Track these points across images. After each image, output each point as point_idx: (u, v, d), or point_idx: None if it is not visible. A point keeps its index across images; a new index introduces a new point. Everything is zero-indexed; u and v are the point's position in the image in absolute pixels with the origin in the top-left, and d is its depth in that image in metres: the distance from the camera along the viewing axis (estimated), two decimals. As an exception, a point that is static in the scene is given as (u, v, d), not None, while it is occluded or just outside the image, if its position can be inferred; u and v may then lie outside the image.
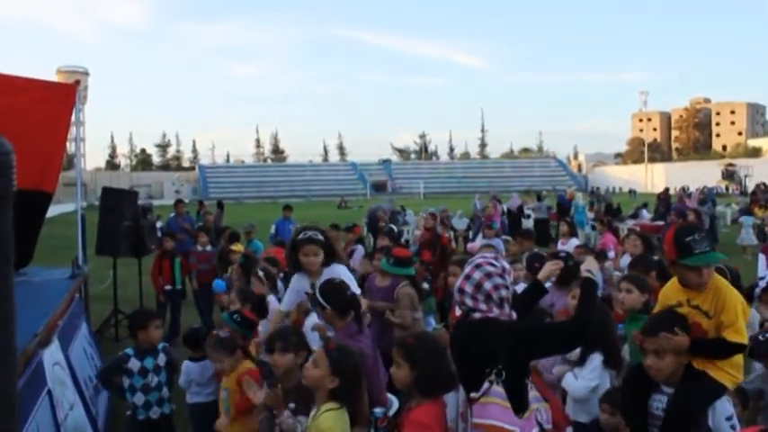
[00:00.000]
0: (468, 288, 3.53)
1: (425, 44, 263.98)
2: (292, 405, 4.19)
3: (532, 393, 3.41)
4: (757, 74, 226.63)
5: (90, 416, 6.17)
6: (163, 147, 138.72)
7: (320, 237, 5.50)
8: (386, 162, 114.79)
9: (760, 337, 5.09)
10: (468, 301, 3.54)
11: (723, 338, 3.54)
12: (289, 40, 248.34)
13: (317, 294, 4.73)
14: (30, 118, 8.14)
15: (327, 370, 3.68)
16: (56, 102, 8.51)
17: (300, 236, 5.56)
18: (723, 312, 3.56)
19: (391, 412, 4.51)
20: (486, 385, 3.33)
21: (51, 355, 5.60)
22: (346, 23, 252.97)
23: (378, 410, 3.84)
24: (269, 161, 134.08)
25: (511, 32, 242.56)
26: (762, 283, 6.47)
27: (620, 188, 75.82)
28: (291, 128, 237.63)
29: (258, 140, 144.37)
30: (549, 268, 4.17)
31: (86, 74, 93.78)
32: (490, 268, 3.56)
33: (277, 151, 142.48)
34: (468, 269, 3.64)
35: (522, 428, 3.27)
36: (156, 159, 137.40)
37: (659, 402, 3.61)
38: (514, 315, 3.66)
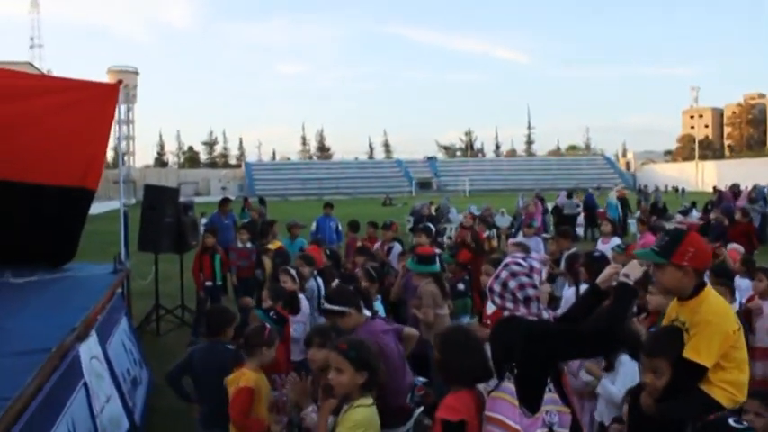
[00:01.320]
0: (497, 287, 3.64)
1: (471, 40, 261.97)
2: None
3: (549, 395, 3.40)
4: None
5: (127, 408, 6.30)
6: (210, 144, 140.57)
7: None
8: (431, 159, 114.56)
9: None
10: (497, 300, 3.65)
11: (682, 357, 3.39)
12: (334, 38, 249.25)
13: (330, 306, 4.76)
14: (72, 117, 8.34)
15: (351, 369, 3.72)
16: (98, 101, 8.69)
17: None
18: (694, 327, 3.40)
19: None
20: (500, 381, 3.43)
21: (89, 349, 5.73)
22: (391, 20, 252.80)
23: (418, 379, 3.93)
24: (315, 158, 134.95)
25: (557, 26, 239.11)
26: None
27: (672, 187, 74.03)
28: (337, 125, 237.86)
29: (304, 138, 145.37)
30: (609, 272, 3.84)
31: (136, 73, 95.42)
32: (516, 267, 3.64)
33: (323, 149, 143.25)
34: (499, 269, 3.73)
35: (525, 428, 3.30)
36: (203, 157, 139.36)
37: None
38: (545, 314, 3.66)
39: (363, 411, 3.68)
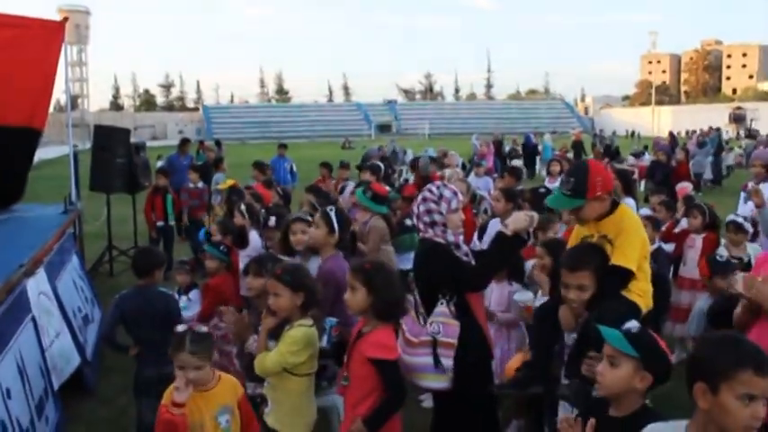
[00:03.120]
0: (414, 210, 4.08)
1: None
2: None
3: (440, 308, 3.81)
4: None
5: (78, 344, 6.39)
6: (166, 87, 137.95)
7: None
8: (391, 103, 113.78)
9: (717, 257, 5.69)
10: (414, 220, 4.13)
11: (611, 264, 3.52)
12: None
13: (332, 214, 4.92)
14: (17, 55, 8.15)
15: (289, 292, 3.87)
16: (44, 39, 8.50)
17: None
18: (618, 238, 3.55)
19: None
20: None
21: (37, 285, 5.79)
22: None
23: (331, 319, 4.09)
24: (273, 101, 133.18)
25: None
26: (731, 217, 6.64)
27: (630, 131, 74.79)
28: (296, 68, 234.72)
29: (262, 81, 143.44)
30: (522, 219, 3.92)
31: (87, 13, 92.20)
32: (427, 194, 4.02)
33: (281, 92, 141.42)
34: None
35: (415, 334, 3.80)
36: (159, 100, 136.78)
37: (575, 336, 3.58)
38: (450, 238, 3.96)
39: (303, 330, 3.86)
